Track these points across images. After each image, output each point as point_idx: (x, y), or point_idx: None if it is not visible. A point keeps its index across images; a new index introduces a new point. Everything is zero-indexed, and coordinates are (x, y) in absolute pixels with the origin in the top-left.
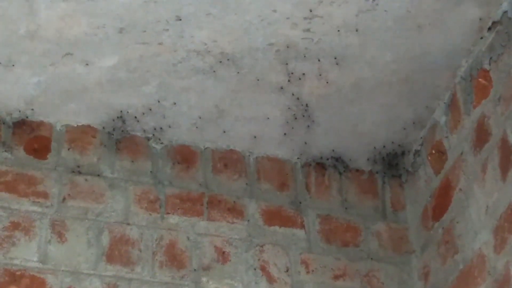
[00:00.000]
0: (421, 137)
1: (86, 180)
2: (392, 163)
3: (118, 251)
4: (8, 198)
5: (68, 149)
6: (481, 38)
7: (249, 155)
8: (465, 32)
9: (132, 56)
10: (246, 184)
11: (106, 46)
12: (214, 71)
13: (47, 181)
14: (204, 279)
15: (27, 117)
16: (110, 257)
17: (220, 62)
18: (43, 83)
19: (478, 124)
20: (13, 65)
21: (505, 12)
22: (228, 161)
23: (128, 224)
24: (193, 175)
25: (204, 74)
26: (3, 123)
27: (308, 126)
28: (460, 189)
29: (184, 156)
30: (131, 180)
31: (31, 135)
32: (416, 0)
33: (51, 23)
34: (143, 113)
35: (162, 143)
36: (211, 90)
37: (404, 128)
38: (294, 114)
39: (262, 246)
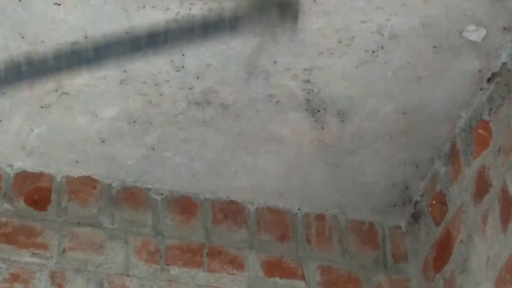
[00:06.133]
0: (422, 188)
1: (86, 231)
2: (393, 214)
3: None
4: (8, 249)
5: (68, 200)
6: (481, 89)
7: (249, 206)
8: (464, 84)
9: (133, 107)
10: (247, 235)
11: (107, 97)
12: (214, 122)
13: (47, 232)
14: None
15: (27, 168)
16: None
17: (221, 113)
18: (44, 134)
19: (478, 175)
20: (13, 116)
21: (504, 63)
22: (229, 212)
23: (128, 275)
24: (193, 226)
25: (204, 126)
26: (4, 174)
27: (309, 177)
28: (461, 240)
29: (184, 207)
30: (131, 231)
31: (31, 186)
32: (416, 52)
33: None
34: (144, 164)
35: (162, 194)
36: (212, 141)
37: (405, 179)
38: (295, 165)
39: None
